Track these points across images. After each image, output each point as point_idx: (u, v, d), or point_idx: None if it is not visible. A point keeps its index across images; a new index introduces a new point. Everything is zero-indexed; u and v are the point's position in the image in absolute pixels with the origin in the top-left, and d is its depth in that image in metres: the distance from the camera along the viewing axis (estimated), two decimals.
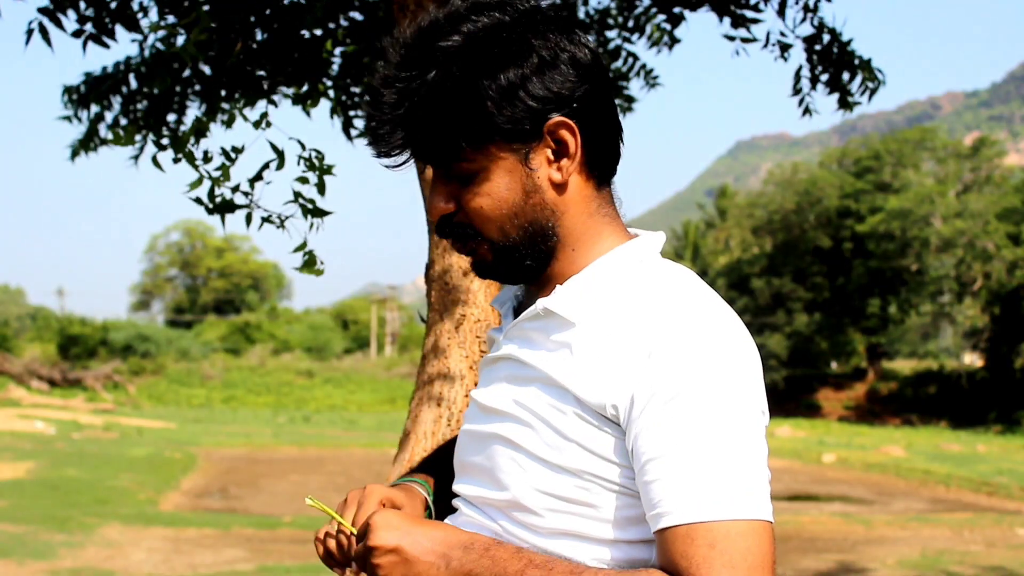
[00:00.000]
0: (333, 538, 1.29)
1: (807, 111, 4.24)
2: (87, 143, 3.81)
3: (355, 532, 1.22)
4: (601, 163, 1.24)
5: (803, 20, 4.06)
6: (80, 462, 16.62)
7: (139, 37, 3.43)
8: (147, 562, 8.90)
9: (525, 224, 1.21)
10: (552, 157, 1.20)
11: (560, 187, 1.21)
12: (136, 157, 3.70)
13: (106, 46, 3.24)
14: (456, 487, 1.31)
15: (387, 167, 1.25)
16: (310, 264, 2.73)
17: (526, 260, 1.23)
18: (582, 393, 1.14)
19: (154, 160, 2.76)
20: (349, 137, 3.80)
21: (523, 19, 1.18)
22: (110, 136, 2.70)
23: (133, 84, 3.64)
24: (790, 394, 43.07)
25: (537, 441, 1.17)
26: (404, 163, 1.25)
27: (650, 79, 4.55)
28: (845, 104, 4.19)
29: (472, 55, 1.15)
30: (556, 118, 1.17)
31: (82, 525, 10.49)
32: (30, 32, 3.07)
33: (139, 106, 3.71)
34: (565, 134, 1.18)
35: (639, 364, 1.11)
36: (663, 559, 1.08)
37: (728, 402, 1.09)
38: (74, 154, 3.87)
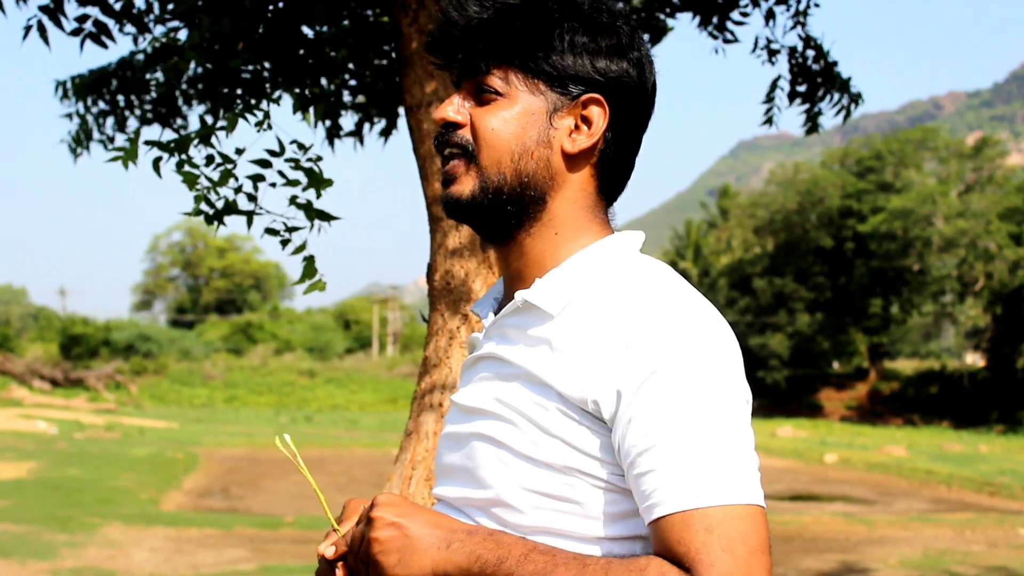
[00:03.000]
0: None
1: (769, 121, 4.26)
2: (82, 140, 3.80)
3: (338, 528, 1.20)
4: (611, 168, 1.26)
5: (793, 27, 4.08)
6: (82, 462, 16.64)
7: (142, 36, 3.44)
8: (149, 562, 8.91)
9: (523, 171, 1.22)
10: (574, 128, 1.23)
11: (568, 158, 1.23)
12: (156, 165, 3.70)
13: (104, 45, 3.24)
14: (436, 491, 1.30)
15: (433, 63, 1.30)
16: (311, 274, 2.73)
17: (507, 206, 1.23)
18: (564, 388, 1.14)
19: (155, 165, 2.76)
20: (332, 143, 3.78)
21: (621, 9, 1.27)
22: (116, 152, 2.69)
23: (135, 82, 3.64)
24: (792, 394, 43.05)
25: (520, 438, 1.16)
26: (450, 64, 1.28)
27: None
28: (812, 124, 4.22)
29: (581, 3, 1.23)
30: (598, 94, 1.22)
31: (84, 525, 10.50)
32: (28, 29, 3.07)
33: (136, 107, 3.70)
34: (596, 112, 1.22)
35: (618, 356, 1.11)
36: (659, 548, 1.07)
37: (713, 391, 1.09)
38: (73, 152, 3.85)
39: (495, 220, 1.25)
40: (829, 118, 4.25)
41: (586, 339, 1.14)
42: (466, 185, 1.23)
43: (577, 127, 1.22)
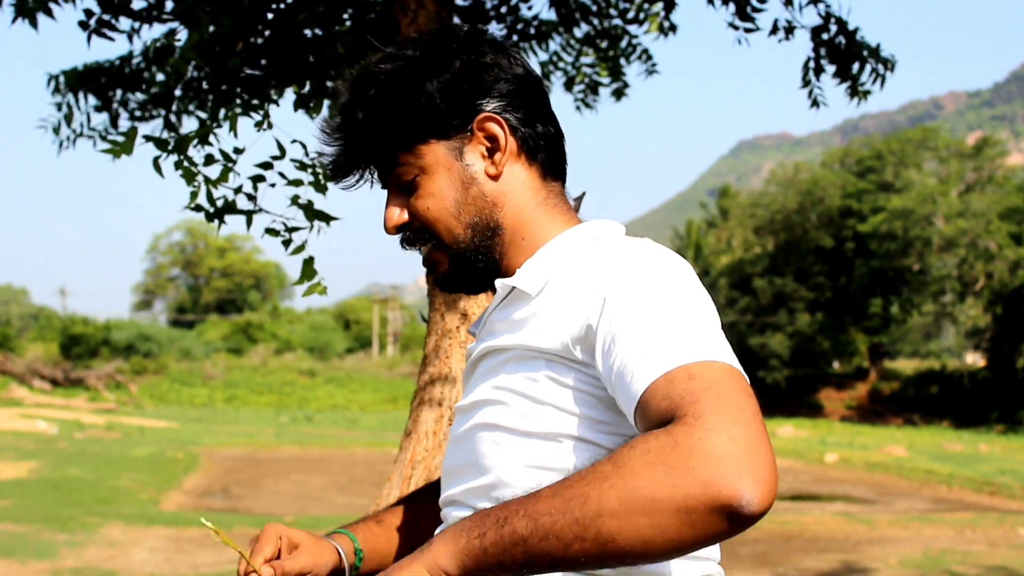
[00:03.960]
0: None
1: (815, 103, 4.22)
2: (62, 129, 3.80)
3: (246, 557, 1.26)
4: (541, 151, 1.29)
5: (809, 3, 4.04)
6: (82, 462, 16.64)
7: (138, 34, 3.43)
8: (149, 562, 8.91)
9: (470, 221, 1.26)
10: (486, 153, 1.27)
11: (497, 179, 1.27)
12: (156, 163, 3.69)
13: (110, 39, 3.24)
14: (444, 495, 1.32)
15: (342, 189, 1.35)
16: (310, 275, 2.72)
17: (480, 262, 1.28)
18: (549, 346, 1.16)
19: (155, 164, 2.76)
20: None
21: (448, 38, 1.29)
22: (107, 145, 2.68)
23: (132, 79, 3.65)
24: (792, 394, 43.05)
25: (512, 415, 1.19)
26: (356, 184, 1.33)
27: (649, 63, 4.55)
28: (856, 93, 4.16)
29: (402, 71, 1.26)
30: (483, 113, 1.25)
31: (84, 525, 10.51)
32: (18, 13, 3.04)
33: (131, 103, 3.70)
34: (493, 127, 1.25)
35: (593, 304, 1.13)
36: (646, 423, 1.02)
37: (678, 293, 1.10)
38: (59, 146, 3.84)
39: (479, 272, 1.30)
40: (864, 88, 4.17)
41: (564, 300, 1.17)
42: (442, 263, 1.31)
43: (489, 149, 1.26)
